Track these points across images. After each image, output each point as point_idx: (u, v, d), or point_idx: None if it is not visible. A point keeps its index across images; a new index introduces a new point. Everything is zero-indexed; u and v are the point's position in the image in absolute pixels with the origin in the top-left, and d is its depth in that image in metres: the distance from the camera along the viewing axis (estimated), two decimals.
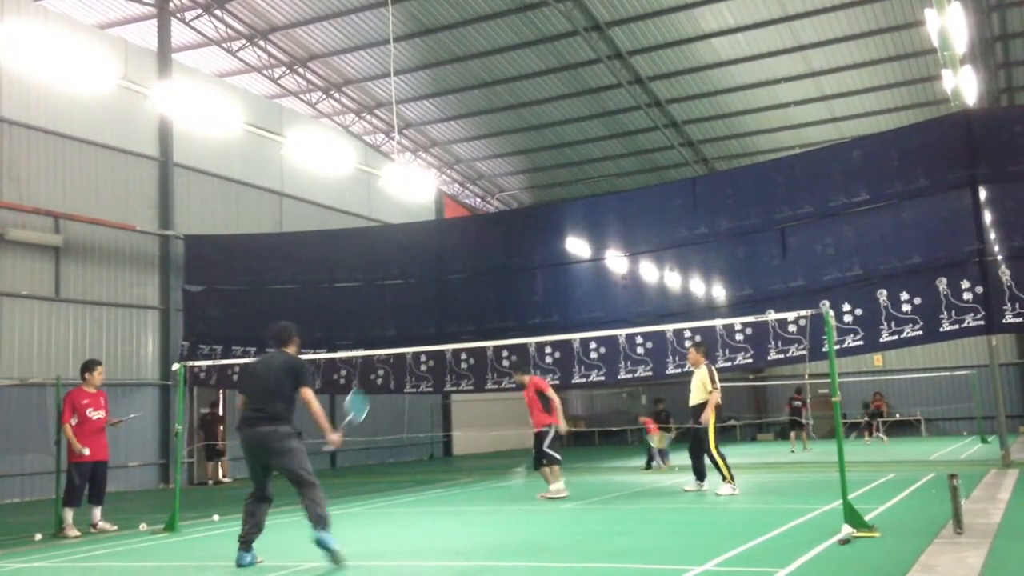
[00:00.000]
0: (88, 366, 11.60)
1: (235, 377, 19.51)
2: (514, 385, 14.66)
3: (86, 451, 11.00)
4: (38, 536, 10.66)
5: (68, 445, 11.10)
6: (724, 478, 12.37)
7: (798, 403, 24.06)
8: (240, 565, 7.57)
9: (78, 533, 10.80)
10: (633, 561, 7.34)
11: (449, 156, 31.54)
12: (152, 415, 20.15)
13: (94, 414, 11.29)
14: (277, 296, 19.58)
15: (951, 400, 30.14)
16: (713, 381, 12.64)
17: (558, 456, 12.99)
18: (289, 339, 8.21)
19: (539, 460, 12.98)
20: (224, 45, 23.91)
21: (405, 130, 29.06)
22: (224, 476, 20.69)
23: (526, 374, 13.54)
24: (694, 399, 12.82)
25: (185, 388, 13.03)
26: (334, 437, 7.68)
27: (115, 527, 11.22)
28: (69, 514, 10.94)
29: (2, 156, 17.84)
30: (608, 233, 17.38)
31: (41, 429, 16.41)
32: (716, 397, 12.54)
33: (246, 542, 7.67)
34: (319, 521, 7.36)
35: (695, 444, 12.93)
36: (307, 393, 7.82)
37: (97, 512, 11.25)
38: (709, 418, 12.46)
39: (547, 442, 12.88)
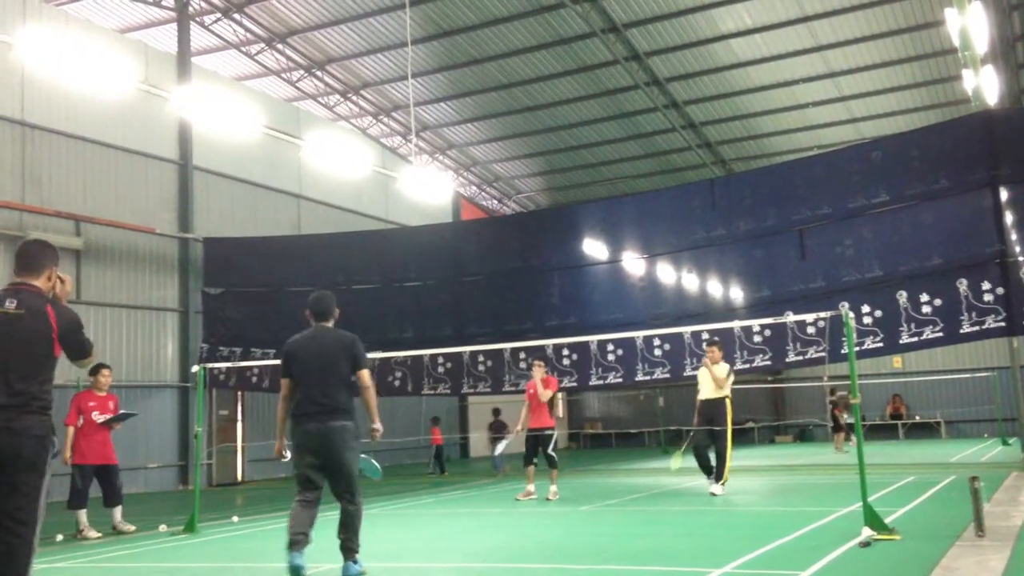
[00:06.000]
0: (94, 369, 11.53)
1: (253, 379, 19.65)
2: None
3: (68, 453, 11.02)
4: (59, 537, 10.73)
5: (76, 446, 11.13)
6: (723, 478, 12.57)
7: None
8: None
9: (98, 534, 10.87)
10: (652, 563, 7.32)
11: (466, 158, 31.58)
12: (171, 417, 20.26)
13: (99, 417, 11.34)
14: (295, 298, 19.60)
15: (972, 402, 29.88)
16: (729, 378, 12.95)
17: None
18: (331, 311, 7.30)
19: (532, 458, 13.40)
20: (243, 49, 24.03)
21: (422, 132, 29.12)
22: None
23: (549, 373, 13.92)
24: (708, 394, 12.84)
25: (204, 390, 13.10)
26: (380, 427, 7.11)
27: (135, 528, 11.29)
28: (82, 516, 10.99)
29: (24, 159, 18.00)
30: (625, 235, 17.36)
31: (61, 431, 16.51)
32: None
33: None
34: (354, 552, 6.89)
35: (714, 442, 12.79)
36: (367, 376, 7.04)
37: (117, 513, 11.30)
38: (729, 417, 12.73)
39: (552, 445, 13.25)
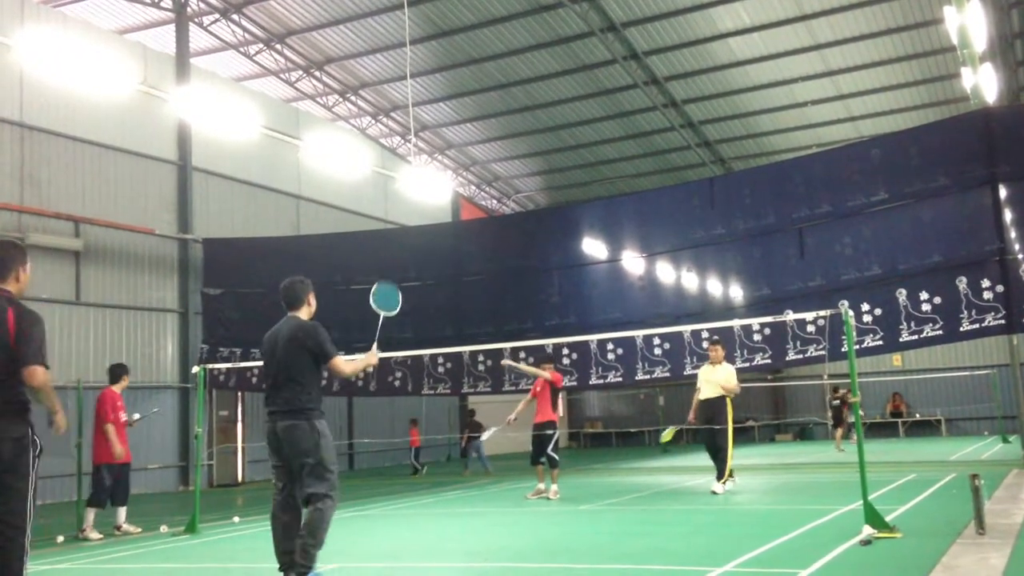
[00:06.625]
0: (116, 375, 11.56)
1: (254, 380, 19.64)
2: (532, 382, 14.23)
3: (119, 452, 11.03)
4: (60, 538, 10.73)
5: (106, 445, 11.04)
6: (724, 476, 12.56)
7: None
8: None
9: (100, 535, 10.86)
10: (654, 562, 7.33)
11: (465, 158, 31.58)
12: (171, 418, 20.26)
13: (123, 416, 11.39)
14: None
15: (972, 400, 29.90)
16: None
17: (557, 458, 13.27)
18: (300, 299, 6.77)
19: (539, 457, 13.17)
20: (241, 49, 24.02)
21: (421, 132, 29.11)
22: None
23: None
24: (711, 393, 12.79)
25: (204, 391, 13.10)
26: (373, 359, 6.83)
27: (139, 529, 11.28)
28: (91, 515, 10.98)
29: (23, 161, 17.99)
30: (625, 234, 17.36)
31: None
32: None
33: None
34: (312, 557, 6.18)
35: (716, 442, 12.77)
36: (337, 364, 6.52)
37: (122, 513, 11.29)
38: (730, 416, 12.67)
39: (553, 444, 13.07)
